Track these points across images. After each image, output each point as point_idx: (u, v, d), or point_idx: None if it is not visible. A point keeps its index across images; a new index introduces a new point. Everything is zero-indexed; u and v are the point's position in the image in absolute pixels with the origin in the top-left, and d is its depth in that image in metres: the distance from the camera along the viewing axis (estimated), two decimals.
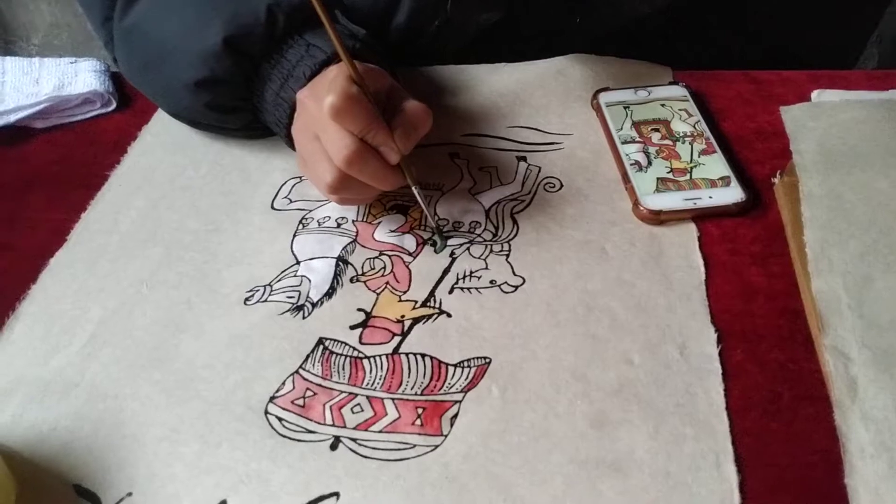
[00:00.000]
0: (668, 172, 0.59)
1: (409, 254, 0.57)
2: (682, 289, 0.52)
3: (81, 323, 0.55)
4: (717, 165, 0.60)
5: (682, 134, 0.63)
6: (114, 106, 0.74)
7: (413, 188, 0.56)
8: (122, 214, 0.63)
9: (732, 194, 0.57)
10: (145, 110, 0.73)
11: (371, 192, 0.55)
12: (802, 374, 0.47)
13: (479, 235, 0.58)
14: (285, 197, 0.63)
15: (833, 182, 0.55)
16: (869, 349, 0.45)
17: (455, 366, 0.49)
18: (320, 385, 0.49)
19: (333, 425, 0.47)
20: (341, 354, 0.51)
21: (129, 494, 0.45)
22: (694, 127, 0.63)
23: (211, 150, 0.68)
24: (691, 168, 0.60)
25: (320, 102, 0.51)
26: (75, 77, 0.75)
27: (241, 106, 0.63)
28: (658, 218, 0.57)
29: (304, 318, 0.53)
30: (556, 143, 0.65)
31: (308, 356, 0.51)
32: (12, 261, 0.60)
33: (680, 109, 0.65)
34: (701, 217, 0.57)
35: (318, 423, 0.47)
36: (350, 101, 0.50)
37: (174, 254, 0.59)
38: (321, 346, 0.51)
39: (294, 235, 0.59)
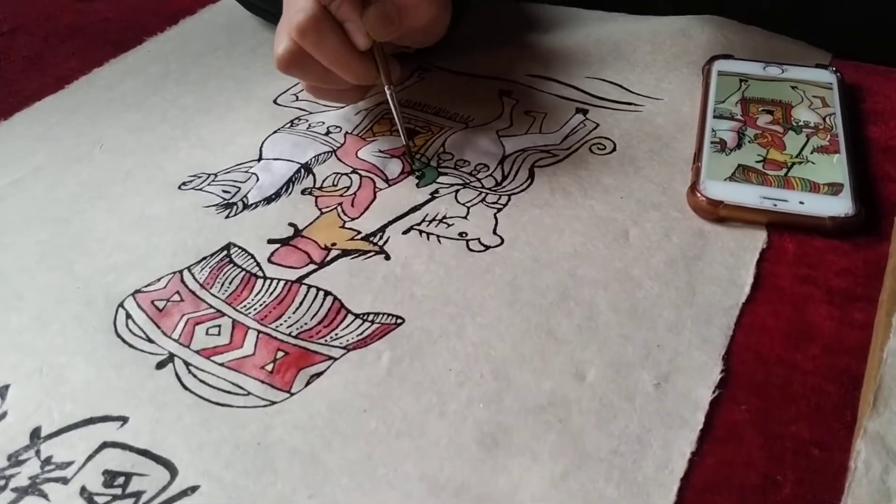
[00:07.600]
0: (757, 161, 0.43)
1: (386, 180, 0.45)
2: (705, 307, 0.36)
3: (20, 165, 0.49)
4: (831, 168, 0.42)
5: (802, 123, 0.45)
6: None
7: (386, 89, 0.44)
8: (130, 76, 0.57)
9: (835, 206, 0.40)
10: None
11: (335, 80, 0.44)
12: (828, 467, 0.29)
13: (478, 180, 0.45)
14: (293, 94, 0.53)
15: None
16: None
17: (357, 316, 0.37)
18: (193, 293, 0.39)
19: (177, 341, 0.36)
20: (238, 266, 0.40)
21: None
22: (824, 120, 0.46)
23: (255, 37, 0.61)
24: (792, 163, 0.43)
25: None
26: None
27: None
28: (716, 211, 0.40)
29: (226, 217, 0.43)
30: (636, 105, 0.50)
31: (204, 259, 0.41)
32: (4, 96, 0.56)
33: (815, 96, 0.48)
34: (779, 226, 0.40)
35: (163, 335, 0.37)
36: None
37: (149, 124, 0.51)
38: (224, 252, 0.41)
39: (273, 132, 0.49)
